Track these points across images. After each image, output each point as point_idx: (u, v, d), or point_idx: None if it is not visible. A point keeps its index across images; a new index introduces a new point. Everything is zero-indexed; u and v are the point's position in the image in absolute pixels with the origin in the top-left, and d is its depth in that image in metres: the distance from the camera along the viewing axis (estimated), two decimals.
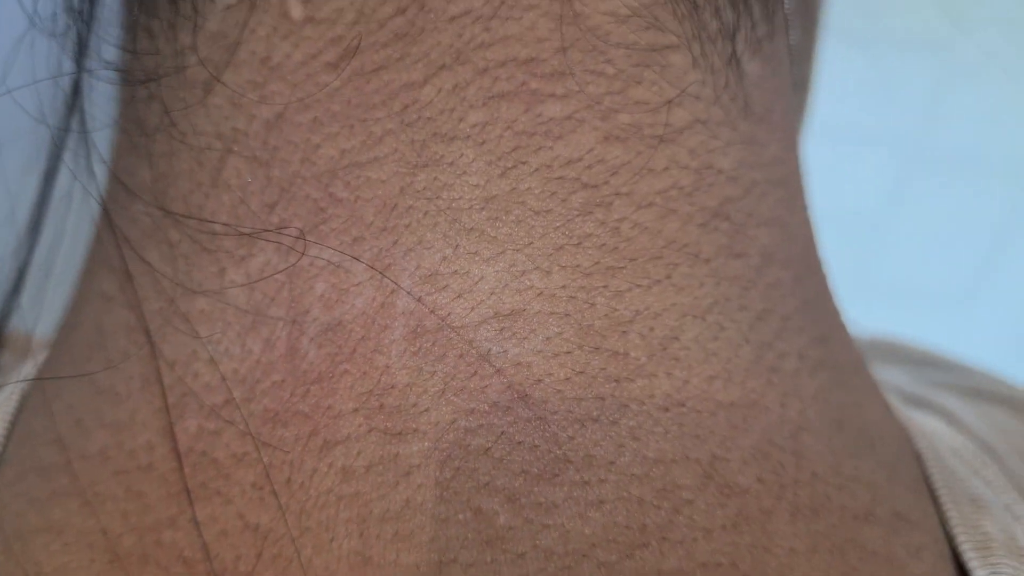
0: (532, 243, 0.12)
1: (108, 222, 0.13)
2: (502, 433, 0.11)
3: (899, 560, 0.12)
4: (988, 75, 0.83)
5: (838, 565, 0.12)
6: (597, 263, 0.12)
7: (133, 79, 0.13)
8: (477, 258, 0.11)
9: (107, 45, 0.14)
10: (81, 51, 0.13)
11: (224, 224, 0.12)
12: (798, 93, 0.17)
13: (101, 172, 0.14)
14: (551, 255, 0.12)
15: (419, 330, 0.11)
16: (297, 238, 0.12)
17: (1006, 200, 0.84)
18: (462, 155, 0.12)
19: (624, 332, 0.12)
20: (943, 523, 0.13)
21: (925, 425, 0.16)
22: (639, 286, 0.12)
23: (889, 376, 0.20)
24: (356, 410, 0.11)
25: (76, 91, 0.14)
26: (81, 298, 0.14)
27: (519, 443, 0.11)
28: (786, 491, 0.12)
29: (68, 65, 0.13)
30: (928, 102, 0.82)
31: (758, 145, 0.13)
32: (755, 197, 0.13)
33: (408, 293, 0.11)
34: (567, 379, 0.11)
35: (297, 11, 0.12)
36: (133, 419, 0.12)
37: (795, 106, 0.15)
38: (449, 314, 0.11)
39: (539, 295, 0.11)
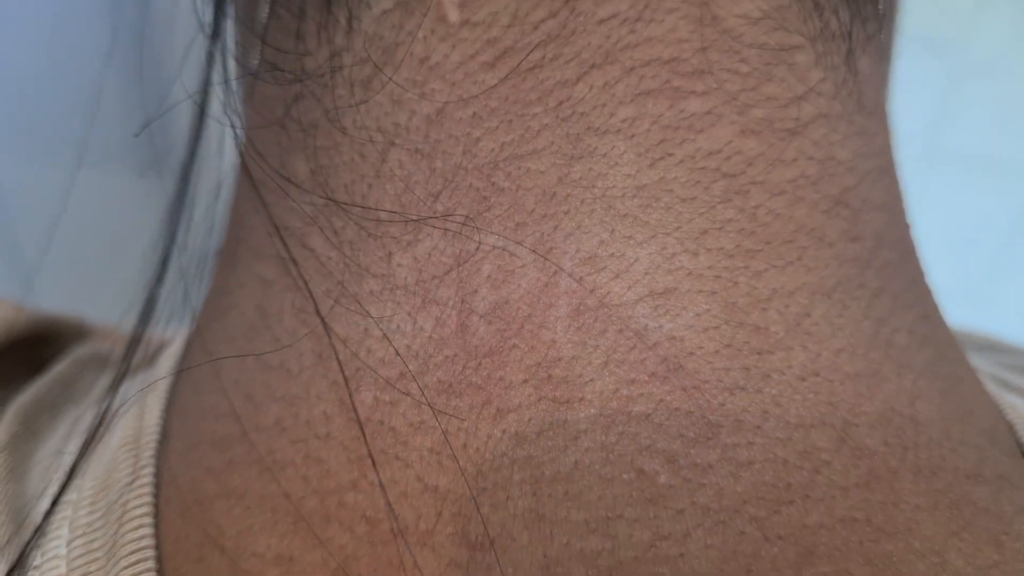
0: (680, 227, 0.13)
1: (267, 212, 0.14)
2: (660, 401, 0.12)
3: (1007, 516, 0.13)
4: (998, 75, 0.84)
5: (956, 520, 0.13)
6: (738, 246, 0.13)
7: (291, 79, 0.14)
8: (631, 241, 0.12)
9: (252, 49, 0.15)
10: (244, 51, 0.14)
11: (390, 211, 0.13)
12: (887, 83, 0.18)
13: (254, 168, 0.15)
14: (697, 238, 0.13)
15: (581, 308, 0.12)
16: (463, 223, 0.13)
17: (1016, 199, 0.86)
18: (614, 147, 0.13)
19: (764, 309, 0.13)
20: None
21: (1012, 401, 0.17)
22: (775, 267, 0.13)
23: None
24: (526, 381, 0.12)
25: (228, 89, 0.15)
26: (233, 284, 0.15)
27: (676, 410, 0.12)
28: (908, 453, 0.13)
29: (229, 66, 0.14)
30: (938, 102, 0.83)
31: (869, 136, 0.14)
32: (868, 184, 0.14)
33: (570, 274, 0.12)
34: (716, 352, 0.12)
35: (454, 15, 0.13)
36: (308, 392, 0.13)
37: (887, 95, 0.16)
38: (608, 293, 0.12)
39: (688, 275, 0.13)
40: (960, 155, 0.85)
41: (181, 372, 0.16)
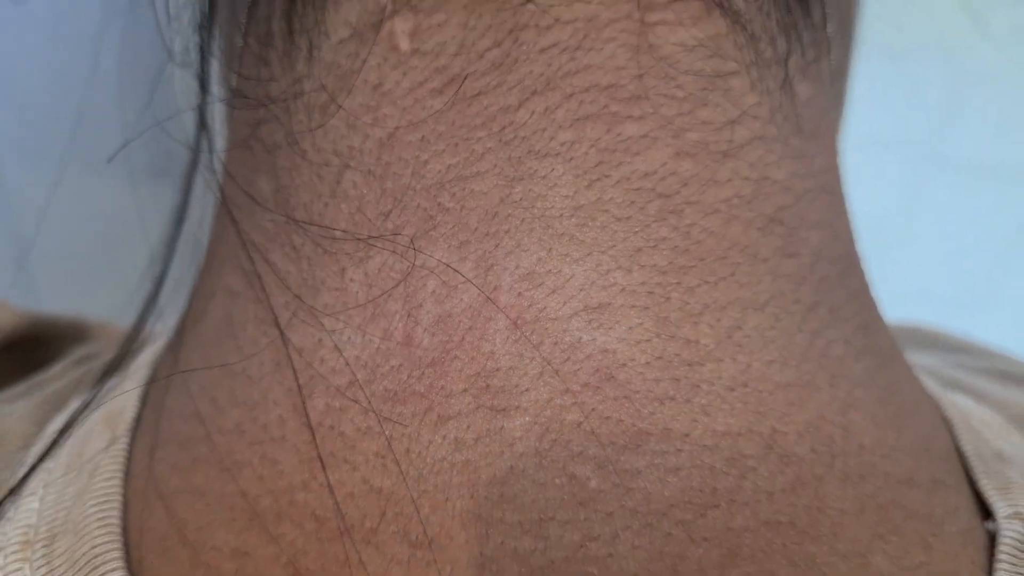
0: (615, 245, 0.13)
1: (235, 228, 0.15)
2: (593, 410, 0.13)
3: (937, 519, 0.14)
4: (1003, 81, 0.84)
5: (884, 523, 0.14)
6: (671, 263, 0.13)
7: (256, 103, 0.15)
8: (568, 259, 0.13)
9: (230, 73, 0.15)
10: (205, 80, 0.15)
11: (343, 231, 0.14)
12: (836, 104, 0.18)
13: (228, 187, 0.15)
14: (631, 256, 0.13)
15: (519, 321, 0.13)
16: (410, 242, 0.13)
17: (1019, 206, 0.85)
18: (553, 169, 0.13)
19: (695, 323, 0.13)
20: (971, 483, 0.15)
21: (956, 402, 0.17)
22: (707, 282, 0.14)
23: (921, 360, 0.22)
24: (466, 390, 0.13)
25: (203, 116, 0.15)
26: (206, 292, 0.16)
27: (607, 418, 0.13)
28: (836, 460, 0.14)
29: (197, 94, 0.15)
30: (943, 108, 0.83)
31: (807, 157, 0.15)
32: (805, 203, 0.15)
33: (508, 290, 0.13)
34: (647, 363, 0.13)
35: (405, 44, 0.13)
36: (266, 398, 0.14)
37: (835, 117, 0.17)
38: (545, 308, 0.13)
39: (622, 291, 0.13)
40: (962, 162, 0.85)
41: (156, 373, 0.17)
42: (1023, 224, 0.88)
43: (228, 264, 0.15)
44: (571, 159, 0.13)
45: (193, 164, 0.16)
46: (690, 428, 0.13)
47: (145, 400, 0.16)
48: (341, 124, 0.14)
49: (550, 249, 0.13)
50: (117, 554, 0.14)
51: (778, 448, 0.13)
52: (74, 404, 0.17)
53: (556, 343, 0.13)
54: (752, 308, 0.14)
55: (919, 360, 0.21)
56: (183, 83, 0.15)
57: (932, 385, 0.18)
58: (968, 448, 0.16)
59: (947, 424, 0.16)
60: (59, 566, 0.14)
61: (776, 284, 0.14)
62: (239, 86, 0.15)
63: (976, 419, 0.17)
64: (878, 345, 0.15)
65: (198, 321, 0.16)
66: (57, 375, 0.19)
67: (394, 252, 0.13)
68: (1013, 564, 0.14)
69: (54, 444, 0.16)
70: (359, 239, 0.14)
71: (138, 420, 0.16)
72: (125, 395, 0.16)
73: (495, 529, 0.13)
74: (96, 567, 0.14)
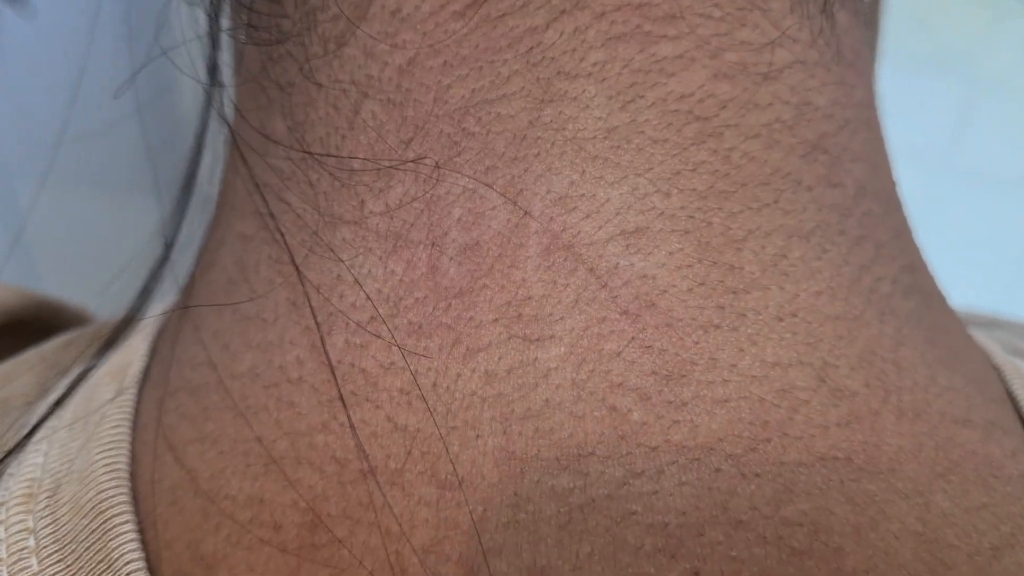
0: (652, 168, 0.13)
1: (248, 171, 0.14)
2: (632, 338, 0.12)
3: (997, 460, 0.13)
4: (1015, 91, 0.83)
5: (942, 462, 0.13)
6: (711, 187, 0.13)
7: (268, 40, 0.14)
8: (602, 182, 0.12)
9: (240, 12, 0.15)
10: (216, 14, 0.15)
11: (363, 160, 0.13)
12: (871, 46, 0.18)
13: (241, 130, 0.15)
14: (669, 179, 0.13)
15: (551, 247, 0.12)
16: (434, 168, 0.13)
17: None
18: (584, 91, 0.13)
19: (739, 249, 0.13)
20: None
21: (1012, 360, 0.17)
22: (750, 208, 0.13)
23: (979, 335, 0.21)
24: (496, 320, 0.12)
25: (214, 51, 0.15)
26: (216, 242, 0.15)
27: (648, 347, 0.12)
28: (891, 396, 0.13)
29: (206, 28, 0.15)
30: (956, 119, 0.83)
31: (848, 87, 0.14)
32: (848, 134, 0.14)
33: (540, 214, 0.12)
34: (689, 290, 0.12)
35: None
36: (282, 339, 0.13)
37: (871, 56, 0.16)
38: (579, 233, 0.12)
39: (660, 215, 0.12)
40: (976, 171, 0.85)
41: (165, 326, 0.16)
42: None
43: (239, 210, 0.15)
44: (603, 80, 0.13)
45: (205, 108, 0.15)
46: (737, 358, 0.12)
47: (153, 355, 0.15)
48: (358, 53, 0.13)
49: (583, 172, 0.12)
50: (124, 499, 0.13)
51: (830, 381, 0.12)
52: (78, 369, 0.16)
53: (592, 269, 0.12)
54: (797, 236, 0.13)
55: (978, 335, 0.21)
56: (189, 23, 0.15)
57: (983, 338, 0.17)
58: (1021, 394, 0.15)
59: (998, 372, 0.16)
60: (64, 515, 0.13)
61: (821, 214, 0.13)
62: (251, 23, 0.14)
63: None
64: (924, 287, 0.15)
65: (208, 271, 0.15)
66: (60, 344, 0.18)
67: (416, 180, 0.13)
68: None
69: (61, 400, 0.15)
70: (379, 168, 0.13)
71: (146, 373, 0.15)
72: (132, 349, 0.16)
73: (530, 466, 0.12)
74: (102, 512, 0.13)
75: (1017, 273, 0.82)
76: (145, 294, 0.16)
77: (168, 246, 0.16)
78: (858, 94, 0.14)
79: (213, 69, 0.15)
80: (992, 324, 0.22)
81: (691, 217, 0.13)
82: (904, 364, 0.13)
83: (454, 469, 0.12)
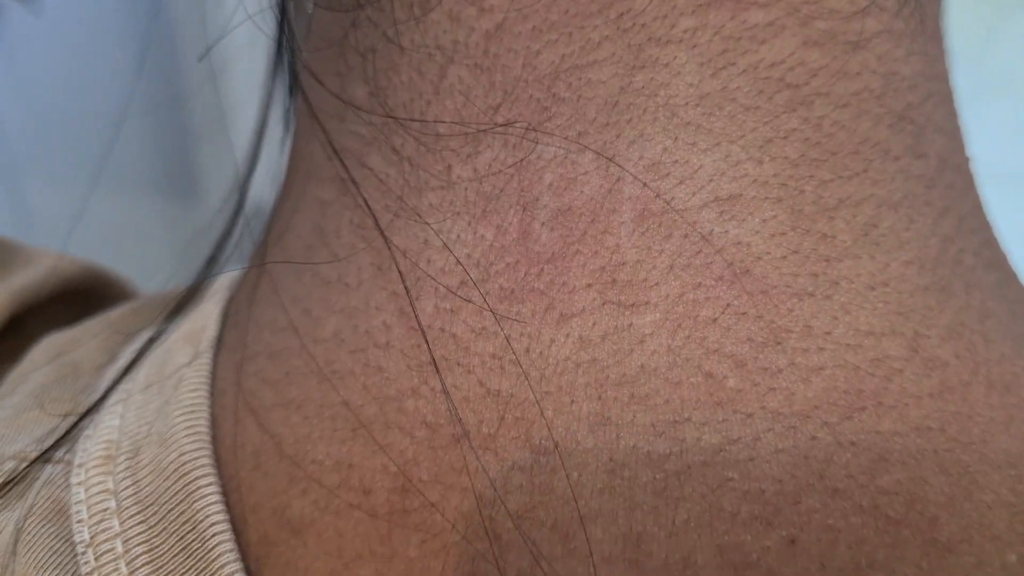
0: (744, 135, 0.12)
1: (326, 136, 0.14)
2: (728, 305, 0.12)
3: None
4: (1017, 90, 0.84)
5: None
6: (803, 155, 0.13)
7: (347, 5, 0.14)
8: (695, 148, 0.12)
9: None
10: None
11: (450, 124, 0.13)
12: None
13: (316, 96, 0.15)
14: (762, 146, 0.12)
15: (645, 213, 0.12)
16: (526, 131, 0.13)
17: None
18: (676, 57, 0.12)
19: (831, 217, 0.13)
20: None
21: None
22: (841, 177, 0.13)
23: None
24: (590, 285, 0.12)
25: (285, 18, 0.15)
26: (289, 209, 0.15)
27: (744, 314, 0.12)
28: (980, 367, 0.13)
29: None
30: (960, 115, 0.83)
31: (931, 58, 0.14)
32: (932, 105, 0.14)
33: (633, 180, 0.12)
34: (783, 257, 0.12)
35: None
36: (367, 304, 0.13)
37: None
38: (673, 199, 0.12)
39: (753, 182, 0.12)
40: (981, 169, 0.85)
41: (239, 292, 0.16)
42: None
43: (315, 176, 0.14)
44: (694, 46, 0.12)
45: (273, 74, 0.15)
46: (831, 326, 0.12)
47: (226, 320, 0.15)
48: (443, 18, 0.13)
49: (676, 138, 0.12)
50: (208, 461, 0.13)
51: (922, 351, 0.12)
52: (146, 335, 0.16)
53: (686, 235, 0.12)
54: (887, 206, 0.13)
55: None
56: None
57: None
58: None
59: None
60: (144, 476, 0.13)
61: (908, 184, 0.13)
62: None
63: None
64: (1001, 262, 0.15)
65: (282, 237, 0.15)
66: (127, 311, 0.18)
67: (506, 145, 0.13)
68: None
69: (133, 364, 0.15)
70: (468, 133, 0.13)
71: (220, 338, 0.15)
72: (205, 314, 0.15)
73: (626, 432, 0.12)
74: (185, 474, 0.13)
75: (1019, 268, 0.82)
76: (212, 263, 0.16)
77: (235, 216, 0.16)
78: (939, 66, 0.14)
79: (282, 36, 0.15)
80: None
81: (784, 185, 0.12)
82: (992, 336, 0.13)
83: (549, 434, 0.12)
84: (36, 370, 0.16)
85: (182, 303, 0.16)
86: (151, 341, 0.15)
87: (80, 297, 0.20)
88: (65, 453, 0.14)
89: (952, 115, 0.15)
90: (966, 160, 0.15)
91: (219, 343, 0.15)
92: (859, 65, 0.13)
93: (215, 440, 0.13)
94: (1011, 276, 0.15)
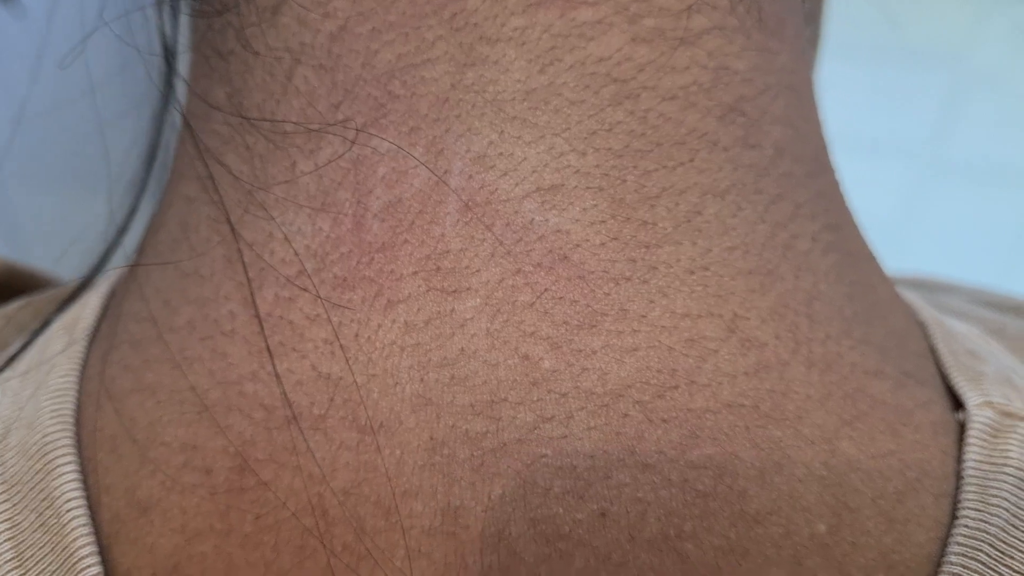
0: (568, 128, 0.13)
1: (191, 135, 0.15)
2: (545, 290, 0.13)
3: (907, 409, 0.14)
4: (999, 84, 0.84)
5: (850, 411, 0.13)
6: (627, 146, 0.13)
7: (210, 12, 0.15)
8: (520, 141, 0.13)
9: None
10: None
11: (295, 123, 0.14)
12: (810, 24, 0.18)
13: (189, 99, 0.15)
14: (586, 139, 0.13)
15: (470, 204, 0.13)
16: (359, 129, 0.13)
17: (1021, 209, 0.85)
18: (505, 55, 0.13)
19: (652, 206, 0.13)
20: (945, 381, 0.15)
21: (936, 315, 0.17)
22: (665, 167, 0.13)
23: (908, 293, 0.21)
24: (416, 273, 0.13)
25: (163, 21, 0.15)
26: (165, 204, 0.15)
27: (561, 298, 0.13)
28: (801, 347, 0.13)
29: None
30: (941, 113, 0.83)
31: (770, 53, 0.14)
32: (768, 98, 0.14)
33: (459, 173, 0.13)
34: (602, 244, 0.13)
35: None
36: (217, 294, 0.14)
37: (808, 36, 0.17)
38: (496, 190, 0.13)
39: (576, 172, 0.13)
40: (963, 165, 0.85)
41: (116, 285, 0.17)
42: (1023, 228, 0.88)
43: (184, 175, 0.15)
44: (523, 44, 0.13)
45: (164, 81, 0.16)
46: (647, 309, 0.13)
47: (104, 312, 0.16)
48: (292, 21, 0.14)
49: (502, 132, 0.13)
50: (68, 443, 0.13)
51: (740, 332, 0.13)
52: (34, 326, 0.17)
53: (508, 224, 0.13)
54: (712, 194, 0.13)
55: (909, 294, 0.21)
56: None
57: (912, 297, 0.17)
58: (941, 346, 0.15)
59: (922, 327, 0.16)
60: (10, 457, 0.13)
61: (737, 173, 0.14)
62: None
63: (954, 328, 0.16)
64: (849, 246, 0.15)
65: (155, 232, 0.15)
66: (21, 304, 0.19)
67: (344, 142, 0.13)
68: (982, 448, 0.13)
69: (16, 355, 0.16)
70: (309, 130, 0.13)
71: (97, 328, 0.16)
72: (84, 304, 0.16)
73: (445, 412, 0.12)
74: (46, 454, 0.13)
75: (1001, 263, 0.82)
76: (103, 260, 0.17)
77: (130, 213, 0.17)
78: (781, 60, 0.15)
79: (166, 42, 0.15)
80: (936, 287, 0.22)
81: (606, 175, 0.13)
82: (818, 317, 0.14)
83: (373, 415, 0.12)
84: None
85: (73, 296, 0.17)
86: (37, 332, 0.16)
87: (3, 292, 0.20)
88: None
89: (797, 107, 0.15)
90: (817, 148, 0.15)
91: (95, 333, 0.16)
92: (688, 60, 0.14)
93: (78, 423, 0.14)
94: (860, 258, 0.15)
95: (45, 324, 0.16)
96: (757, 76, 0.14)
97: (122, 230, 0.17)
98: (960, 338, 0.16)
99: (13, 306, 0.18)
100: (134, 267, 0.16)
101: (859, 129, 0.86)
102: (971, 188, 0.86)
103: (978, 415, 0.14)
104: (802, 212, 0.14)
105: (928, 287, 0.23)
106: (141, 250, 0.16)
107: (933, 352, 0.15)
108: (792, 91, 0.15)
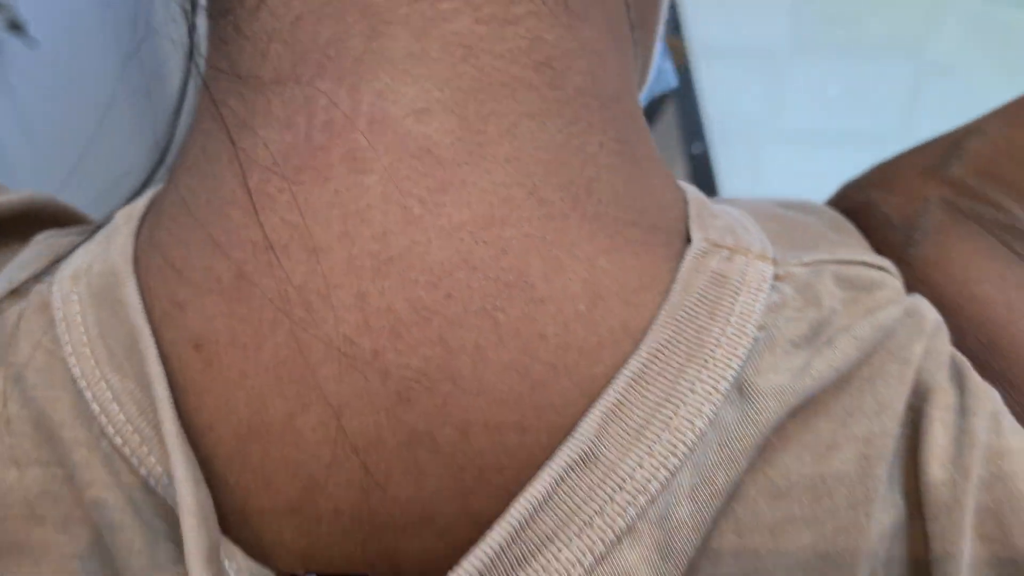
0: (433, 76, 0.21)
1: (208, 91, 0.24)
2: (416, 169, 0.21)
3: (650, 244, 0.22)
4: (962, 73, 0.90)
5: (607, 243, 0.21)
6: (471, 86, 0.22)
7: (217, 13, 0.23)
8: (404, 83, 0.21)
9: None
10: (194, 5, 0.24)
11: (271, 79, 0.22)
12: (639, 29, 0.27)
13: (206, 69, 0.24)
14: (444, 81, 0.21)
15: (374, 120, 0.21)
16: (307, 83, 0.22)
17: None
18: (396, 31, 0.21)
19: (485, 120, 0.21)
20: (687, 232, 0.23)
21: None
22: (494, 99, 0.22)
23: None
24: (341, 161, 0.21)
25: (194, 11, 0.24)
26: (190, 136, 0.24)
27: (425, 174, 0.21)
28: (579, 205, 0.21)
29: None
30: (904, 102, 0.90)
31: (575, 29, 0.23)
32: (570, 57, 0.23)
33: (369, 103, 0.21)
34: (451, 144, 0.21)
35: None
36: (223, 181, 0.22)
37: (636, 38, 0.25)
38: (389, 112, 0.21)
39: (437, 101, 0.21)
40: None
41: (155, 193, 0.26)
42: None
43: (203, 117, 0.24)
44: (407, 24, 0.22)
45: (189, 55, 0.25)
46: (478, 180, 0.21)
47: (150, 205, 0.25)
48: (267, 15, 0.22)
49: (393, 78, 0.21)
50: (129, 269, 0.22)
51: (537, 194, 0.21)
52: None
53: (395, 131, 0.21)
54: (526, 116, 0.22)
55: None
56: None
57: (696, 191, 0.26)
58: (692, 211, 0.24)
59: (685, 204, 0.24)
60: (94, 279, 0.23)
61: (544, 104, 0.22)
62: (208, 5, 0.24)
63: (714, 207, 0.25)
64: (633, 151, 0.23)
65: (185, 153, 0.24)
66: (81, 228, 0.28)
67: (300, 87, 0.22)
68: (691, 261, 0.22)
69: (96, 229, 0.25)
70: (279, 82, 0.22)
71: (146, 213, 0.25)
72: (135, 202, 0.25)
73: (357, 240, 0.21)
74: (117, 274, 0.22)
75: None
76: (150, 176, 0.26)
77: (165, 150, 0.26)
78: (584, 34, 0.23)
79: (192, 32, 0.24)
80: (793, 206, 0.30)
81: (456, 103, 0.21)
82: (594, 190, 0.22)
83: (315, 244, 0.21)
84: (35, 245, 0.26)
85: (131, 198, 0.26)
86: (105, 221, 0.25)
87: (25, 221, 0.29)
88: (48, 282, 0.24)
89: (598, 64, 0.23)
90: (617, 90, 0.24)
91: (145, 214, 0.25)
92: (512, 33, 0.22)
93: (136, 261, 0.23)
94: (641, 159, 0.23)
95: (108, 219, 0.25)
96: (562, 43, 0.23)
97: (160, 162, 0.26)
98: (712, 209, 0.24)
99: (76, 228, 0.28)
100: (172, 172, 0.24)
101: (824, 122, 0.93)
102: None
103: (696, 245, 0.22)
104: (594, 128, 0.23)
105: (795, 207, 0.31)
106: (174, 166, 0.25)
107: (687, 219, 0.24)
108: (596, 54, 0.23)
